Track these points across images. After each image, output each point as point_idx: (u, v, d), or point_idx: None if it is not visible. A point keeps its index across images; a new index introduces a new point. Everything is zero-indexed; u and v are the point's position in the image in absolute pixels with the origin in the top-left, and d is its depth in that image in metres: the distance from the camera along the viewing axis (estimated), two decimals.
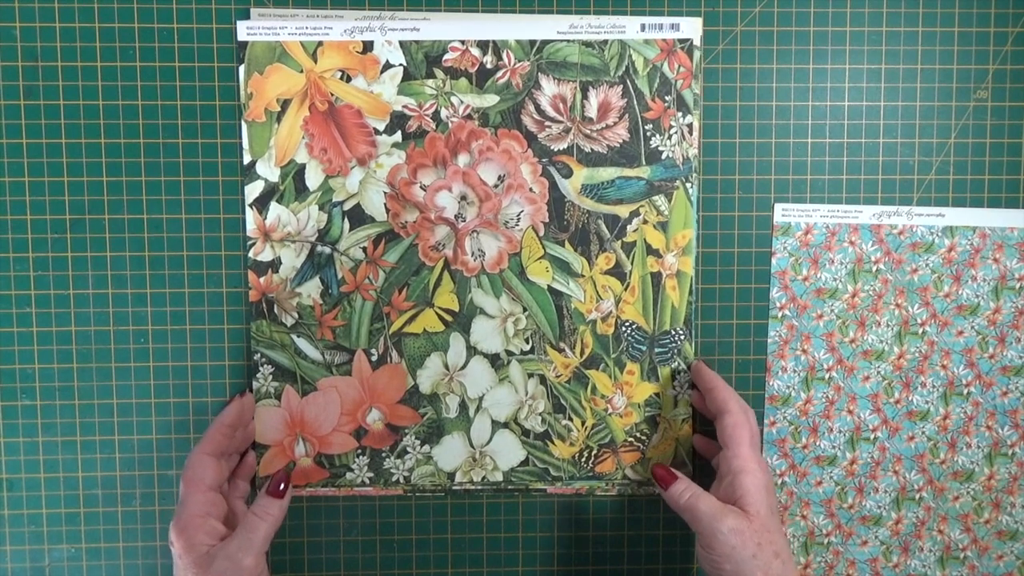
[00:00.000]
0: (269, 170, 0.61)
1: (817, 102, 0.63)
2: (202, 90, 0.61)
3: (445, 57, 0.61)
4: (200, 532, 0.54)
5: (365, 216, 0.61)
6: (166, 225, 0.62)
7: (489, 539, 0.65)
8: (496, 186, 0.61)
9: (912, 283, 0.63)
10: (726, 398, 0.59)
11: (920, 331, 0.64)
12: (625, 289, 0.62)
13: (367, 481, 0.63)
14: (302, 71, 0.60)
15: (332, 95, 0.60)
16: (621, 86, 0.61)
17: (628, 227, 0.62)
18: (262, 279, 0.62)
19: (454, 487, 0.64)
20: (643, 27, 0.61)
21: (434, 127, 0.61)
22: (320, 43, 0.60)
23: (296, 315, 0.62)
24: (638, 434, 0.63)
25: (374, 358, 0.62)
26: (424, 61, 0.61)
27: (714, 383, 0.60)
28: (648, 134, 0.61)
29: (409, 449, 0.63)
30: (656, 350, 0.63)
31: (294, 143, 0.61)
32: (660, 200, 0.62)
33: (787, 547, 0.55)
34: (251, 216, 0.61)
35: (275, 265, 0.61)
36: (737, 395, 0.59)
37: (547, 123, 0.61)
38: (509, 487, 0.64)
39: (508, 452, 0.63)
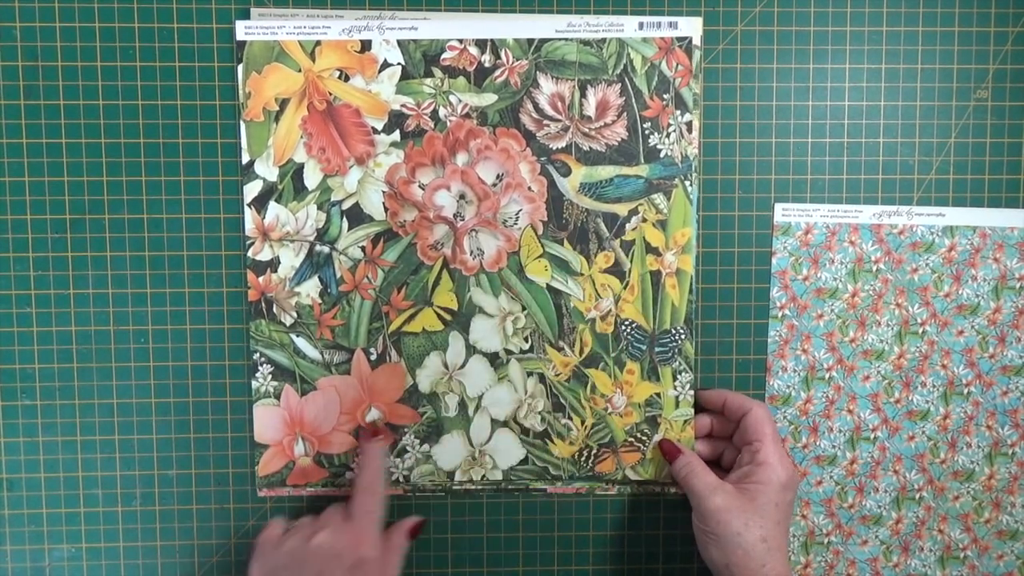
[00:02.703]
0: (267, 169, 0.61)
1: (817, 102, 0.63)
2: (202, 90, 0.61)
3: (443, 56, 0.61)
4: None
5: (364, 215, 0.61)
6: (166, 225, 0.62)
7: (489, 539, 0.65)
8: (495, 185, 0.61)
9: (912, 283, 0.63)
10: (742, 401, 0.61)
11: (920, 331, 0.64)
12: (624, 288, 0.62)
13: None
14: (300, 70, 0.60)
15: (330, 94, 0.60)
16: (619, 84, 0.61)
17: (627, 225, 0.62)
18: (261, 279, 0.62)
19: (454, 486, 0.64)
20: (641, 25, 0.61)
21: (432, 126, 0.61)
22: (318, 42, 0.60)
23: (295, 314, 0.62)
24: (638, 434, 0.63)
25: (373, 357, 0.62)
26: (422, 60, 0.61)
27: (724, 395, 0.62)
28: (646, 132, 0.61)
29: (408, 448, 0.63)
30: (656, 349, 0.63)
31: (292, 142, 0.61)
32: (659, 198, 0.62)
33: (781, 538, 0.56)
34: (249, 216, 0.61)
35: (274, 264, 0.62)
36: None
37: (545, 122, 0.61)
38: (509, 486, 0.64)
39: (507, 451, 0.63)
